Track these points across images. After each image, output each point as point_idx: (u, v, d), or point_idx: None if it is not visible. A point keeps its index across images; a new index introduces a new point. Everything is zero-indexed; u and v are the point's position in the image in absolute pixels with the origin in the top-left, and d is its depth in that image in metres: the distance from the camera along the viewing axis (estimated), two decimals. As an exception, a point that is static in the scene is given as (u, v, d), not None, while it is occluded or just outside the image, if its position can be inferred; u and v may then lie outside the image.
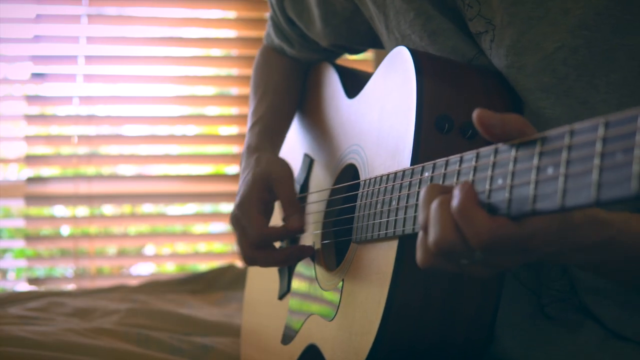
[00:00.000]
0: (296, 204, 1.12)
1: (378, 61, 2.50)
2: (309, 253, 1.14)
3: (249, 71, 2.59)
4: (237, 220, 1.14)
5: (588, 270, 0.87)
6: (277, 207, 1.17)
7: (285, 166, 1.16)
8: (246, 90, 2.62)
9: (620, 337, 0.93)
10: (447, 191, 0.70)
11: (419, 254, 0.72)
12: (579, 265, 0.84)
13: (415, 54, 0.92)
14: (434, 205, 0.69)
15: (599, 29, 0.85)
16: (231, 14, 2.65)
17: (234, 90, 2.73)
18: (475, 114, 0.66)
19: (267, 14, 2.61)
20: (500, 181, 0.64)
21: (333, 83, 1.26)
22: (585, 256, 0.72)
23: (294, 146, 1.36)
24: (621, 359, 0.91)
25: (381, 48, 1.20)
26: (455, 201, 0.66)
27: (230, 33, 2.68)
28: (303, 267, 1.18)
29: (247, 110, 2.55)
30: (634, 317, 0.92)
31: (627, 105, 0.85)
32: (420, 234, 0.72)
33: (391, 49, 1.03)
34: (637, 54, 0.85)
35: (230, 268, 2.16)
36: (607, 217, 0.71)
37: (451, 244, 0.67)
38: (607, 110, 0.86)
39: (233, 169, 2.71)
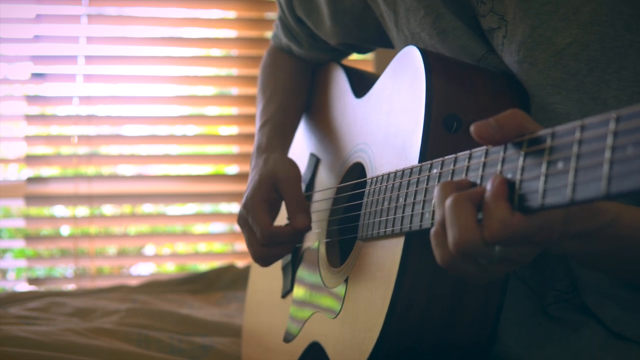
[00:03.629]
0: (302, 203, 1.12)
1: (379, 61, 2.51)
2: (306, 231, 1.12)
3: (249, 71, 2.62)
4: (244, 219, 1.14)
5: (581, 260, 0.88)
6: (284, 207, 1.17)
7: (292, 166, 1.16)
8: (246, 90, 2.62)
9: (621, 338, 0.93)
10: (460, 187, 0.70)
11: (437, 253, 0.72)
12: (572, 255, 0.84)
13: (424, 54, 0.93)
14: (449, 203, 0.68)
15: (611, 25, 0.85)
16: (231, 14, 2.65)
17: (234, 90, 2.73)
18: (471, 129, 0.67)
19: (267, 14, 2.63)
20: (509, 176, 0.64)
21: (341, 83, 1.26)
22: (579, 244, 0.73)
23: (301, 146, 1.36)
24: (622, 359, 0.91)
25: (390, 47, 1.20)
26: (487, 194, 0.66)
27: (230, 33, 2.68)
28: (307, 266, 1.18)
29: (247, 110, 2.60)
30: (635, 318, 0.92)
31: (637, 101, 0.86)
32: (435, 231, 0.71)
33: (400, 47, 1.04)
34: None
35: (230, 268, 2.16)
36: (601, 205, 0.72)
37: (471, 244, 0.67)
38: (618, 106, 0.86)
39: (233, 169, 2.71)
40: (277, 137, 1.27)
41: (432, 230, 0.72)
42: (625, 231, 0.75)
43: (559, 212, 0.66)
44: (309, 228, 1.12)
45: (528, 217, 0.64)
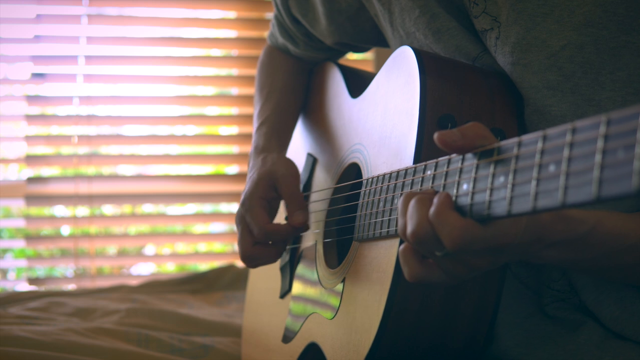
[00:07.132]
0: (300, 201, 1.13)
1: (379, 61, 2.51)
2: (304, 228, 1.14)
3: (249, 71, 2.63)
4: (241, 217, 1.14)
5: (569, 268, 0.90)
6: (282, 207, 1.17)
7: (290, 165, 1.17)
8: (246, 90, 2.62)
9: (619, 337, 0.93)
10: (423, 193, 0.73)
11: (404, 267, 0.75)
12: (556, 263, 0.85)
13: (418, 54, 0.92)
14: (412, 202, 0.72)
15: (606, 27, 0.85)
16: (231, 14, 2.65)
17: (234, 90, 2.73)
18: (435, 137, 0.71)
19: (267, 14, 2.63)
20: (502, 179, 0.64)
21: (337, 82, 1.26)
22: (559, 253, 0.75)
23: (298, 146, 1.36)
24: (620, 358, 0.92)
25: (386, 46, 1.20)
26: (432, 208, 0.69)
27: (230, 33, 2.68)
28: (305, 266, 1.18)
29: (247, 110, 2.59)
30: (633, 317, 0.92)
31: (631, 102, 0.86)
32: (404, 246, 0.75)
33: (395, 46, 1.04)
34: None
35: (230, 268, 2.16)
36: (578, 215, 0.74)
37: (426, 234, 0.70)
38: (613, 107, 0.86)
39: (233, 169, 2.71)
40: (275, 137, 1.28)
41: (401, 248, 0.75)
42: (607, 238, 0.76)
43: (519, 220, 0.68)
44: (306, 226, 1.12)
45: (485, 225, 0.67)
